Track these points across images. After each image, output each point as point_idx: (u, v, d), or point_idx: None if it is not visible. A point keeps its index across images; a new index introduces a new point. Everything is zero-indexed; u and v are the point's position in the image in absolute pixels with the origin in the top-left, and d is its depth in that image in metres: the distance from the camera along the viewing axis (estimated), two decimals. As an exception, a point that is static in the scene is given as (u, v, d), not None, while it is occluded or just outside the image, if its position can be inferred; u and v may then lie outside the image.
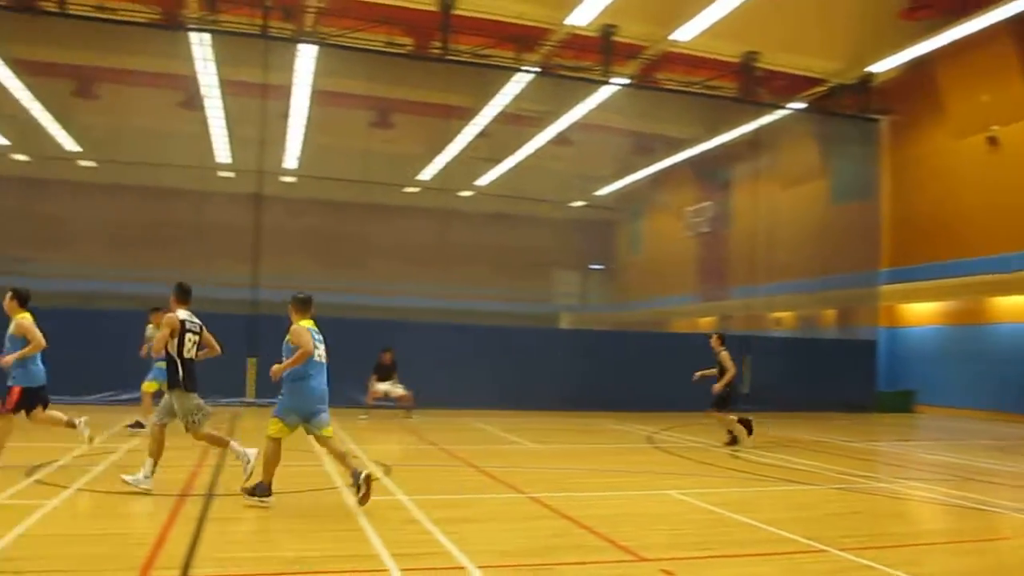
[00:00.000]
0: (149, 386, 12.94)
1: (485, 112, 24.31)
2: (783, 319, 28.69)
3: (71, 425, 9.75)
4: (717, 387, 13.60)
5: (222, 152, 25.38)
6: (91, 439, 10.03)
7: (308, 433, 7.89)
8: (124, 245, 23.84)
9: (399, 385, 17.50)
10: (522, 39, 21.45)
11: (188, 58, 20.55)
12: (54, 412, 9.67)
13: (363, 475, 7.48)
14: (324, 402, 7.86)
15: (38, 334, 9.28)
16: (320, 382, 7.85)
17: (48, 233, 23.19)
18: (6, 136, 24.07)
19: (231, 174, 25.77)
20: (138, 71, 22.87)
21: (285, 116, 23.24)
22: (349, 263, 26.37)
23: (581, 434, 15.78)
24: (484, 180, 28.52)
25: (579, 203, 31.53)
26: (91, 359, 17.14)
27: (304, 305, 8.27)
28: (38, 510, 7.03)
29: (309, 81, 21.60)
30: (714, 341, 14.12)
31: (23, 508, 7.08)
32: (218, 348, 8.98)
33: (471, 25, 20.74)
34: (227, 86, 22.14)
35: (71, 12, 18.65)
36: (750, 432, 13.58)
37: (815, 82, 24.39)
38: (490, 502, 8.65)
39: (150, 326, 13.50)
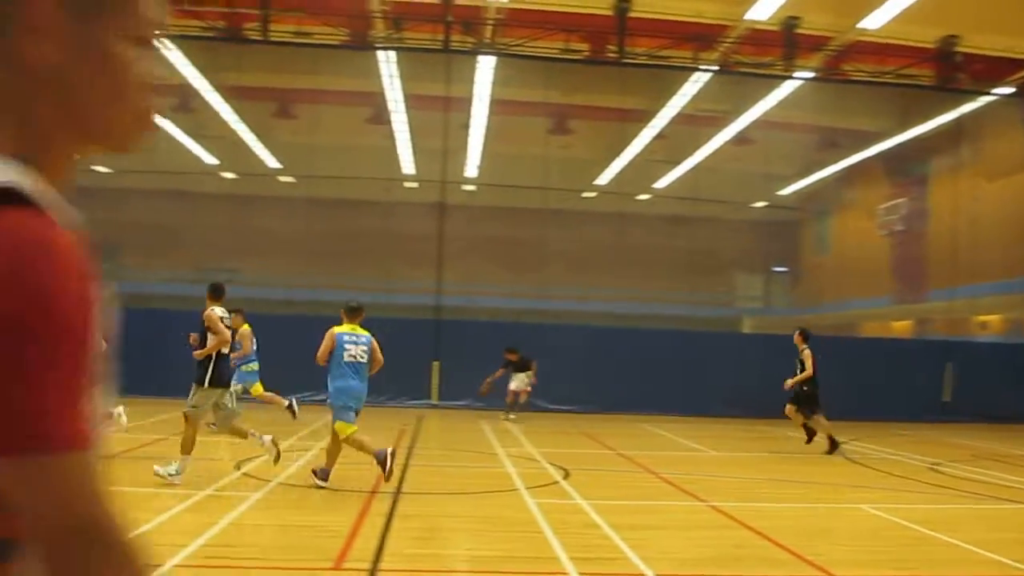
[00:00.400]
0: (256, 389, 13.53)
1: (662, 114, 24.02)
2: (989, 323, 26.52)
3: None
4: (790, 383, 13.10)
5: (407, 164, 26.50)
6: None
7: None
8: (319, 254, 25.33)
9: (523, 383, 17.61)
10: (700, 37, 21.02)
11: (376, 75, 21.61)
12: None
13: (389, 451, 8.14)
14: (358, 400, 8.52)
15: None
16: (355, 383, 8.50)
17: (253, 245, 25.04)
18: (216, 156, 26.19)
19: (415, 184, 26.86)
20: (330, 90, 24.25)
21: (466, 127, 23.95)
22: (528, 268, 26.79)
23: (762, 441, 15.25)
24: (662, 183, 28.18)
25: (761, 204, 30.52)
26: (293, 361, 18.37)
27: (352, 313, 8.91)
28: (245, 501, 7.59)
29: (488, 91, 22.17)
30: (797, 338, 13.47)
31: (233, 499, 7.68)
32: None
33: (647, 27, 20.56)
34: (411, 100, 23.11)
35: (272, 39, 20.05)
36: (833, 449, 12.93)
37: (1022, 64, 22.42)
38: (670, 509, 8.52)
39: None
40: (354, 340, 8.64)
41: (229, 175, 26.47)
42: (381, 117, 24.53)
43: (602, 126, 27.58)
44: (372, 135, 25.88)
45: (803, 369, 13.13)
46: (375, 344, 8.78)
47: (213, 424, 11.29)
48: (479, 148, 25.50)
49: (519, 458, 11.48)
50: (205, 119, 24.66)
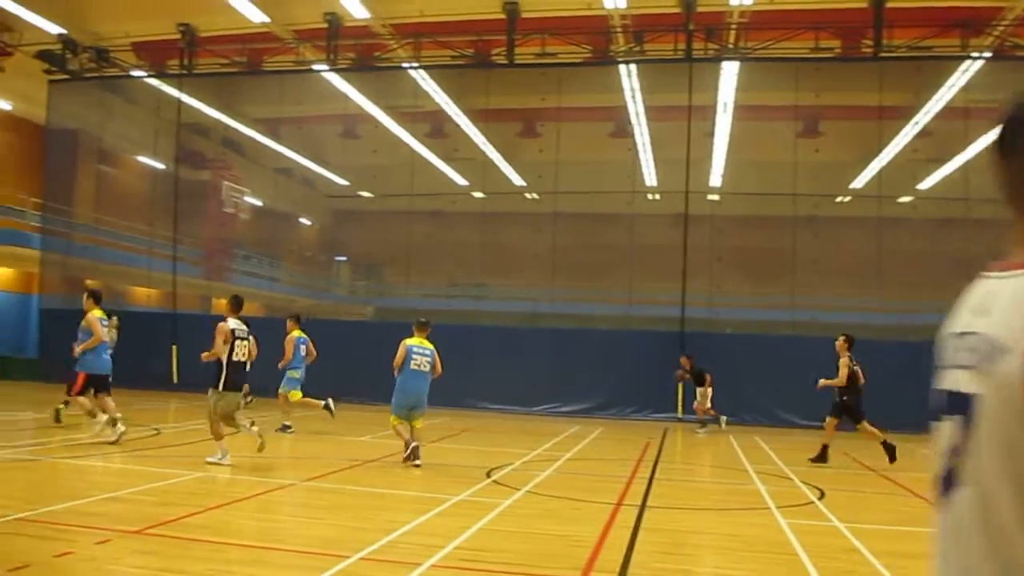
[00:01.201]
0: (294, 395, 13.87)
1: (926, 109, 22.22)
2: None
3: (92, 415, 11.31)
4: (824, 382, 12.42)
5: (649, 175, 26.42)
6: (119, 436, 11.00)
7: (408, 420, 10.43)
8: (564, 268, 25.87)
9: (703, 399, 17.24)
10: (969, 23, 19.25)
11: (617, 90, 21.79)
12: (108, 401, 11.20)
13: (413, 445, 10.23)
14: (418, 402, 10.40)
15: (100, 329, 11.09)
16: (413, 386, 10.31)
17: (501, 260, 26.06)
18: (466, 177, 27.55)
19: (658, 196, 26.70)
20: (573, 107, 24.76)
21: (709, 135, 23.51)
22: (776, 278, 25.72)
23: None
24: (926, 183, 26.03)
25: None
26: (529, 373, 19.02)
27: (421, 327, 10.72)
28: (495, 508, 7.88)
29: (732, 97, 21.61)
30: (839, 344, 12.58)
31: (483, 505, 7.99)
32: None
33: (908, 16, 19.13)
34: (652, 112, 23.05)
35: (518, 63, 20.82)
36: (892, 459, 11.80)
37: None
38: (941, 538, 7.80)
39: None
40: (420, 351, 10.39)
41: (479, 194, 27.73)
42: (623, 130, 24.68)
43: (856, 126, 25.95)
44: (615, 149, 26.10)
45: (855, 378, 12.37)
46: (437, 356, 10.49)
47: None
48: (723, 156, 24.91)
49: (770, 475, 11.03)
50: (457, 142, 26.05)
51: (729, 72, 20.51)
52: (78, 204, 25.66)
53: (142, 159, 27.21)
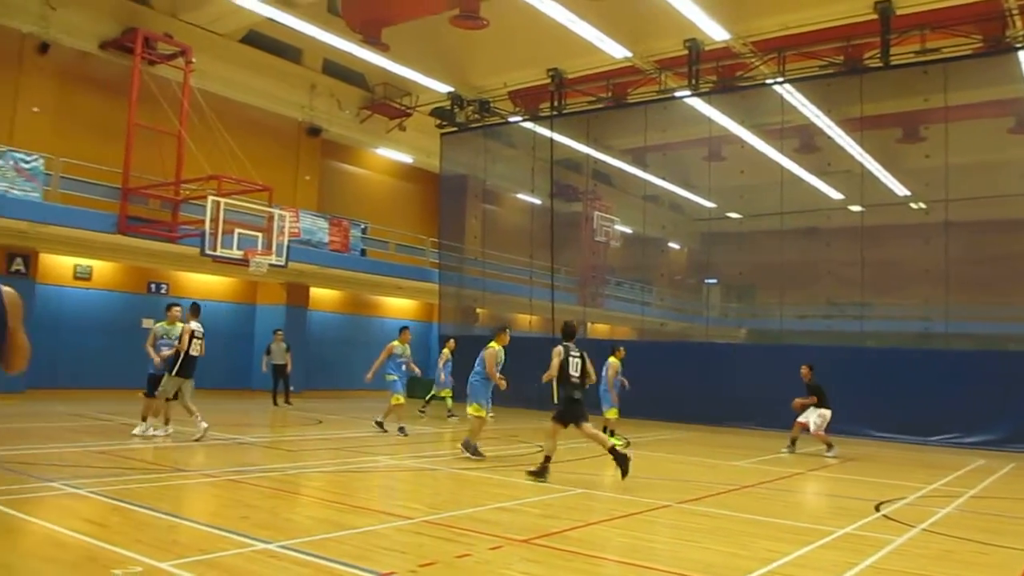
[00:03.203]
0: (397, 399, 15.16)
1: None
2: None
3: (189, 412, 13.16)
4: None
5: (1063, 173, 22.89)
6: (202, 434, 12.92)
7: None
8: (959, 283, 23.27)
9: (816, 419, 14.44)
10: None
11: (1017, 80, 19.27)
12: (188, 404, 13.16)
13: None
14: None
15: (185, 340, 13.00)
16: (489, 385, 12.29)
17: (885, 277, 24.12)
18: (841, 191, 26.01)
19: (1077, 196, 23.01)
20: (962, 105, 22.33)
21: None
22: None
23: None
24: None
25: None
26: (921, 399, 17.28)
27: (500, 332, 12.52)
28: (886, 545, 7.24)
29: None
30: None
31: (871, 540, 7.39)
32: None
33: None
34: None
35: (895, 64, 19.31)
36: None
37: None
38: None
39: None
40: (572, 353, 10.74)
41: (856, 208, 26.04)
42: (1026, 125, 21.73)
43: None
44: (1016, 146, 23.06)
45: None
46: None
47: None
48: None
49: None
50: (829, 155, 24.73)
51: None
52: (468, 241, 28.45)
53: (521, 196, 29.42)
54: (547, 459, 10.36)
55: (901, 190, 25.72)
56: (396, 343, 15.42)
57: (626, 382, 15.65)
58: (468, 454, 12.01)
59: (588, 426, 10.44)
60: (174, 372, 12.91)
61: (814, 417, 14.62)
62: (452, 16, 21.00)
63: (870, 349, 20.91)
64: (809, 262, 25.60)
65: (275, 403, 21.24)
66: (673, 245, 34.96)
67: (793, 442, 14.96)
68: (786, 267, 23.88)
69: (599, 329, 33.86)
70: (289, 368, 21.51)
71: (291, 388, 21.90)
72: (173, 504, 8.10)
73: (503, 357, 12.41)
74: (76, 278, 21.82)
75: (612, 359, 15.42)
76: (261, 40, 23.99)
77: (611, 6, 19.83)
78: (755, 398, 19.36)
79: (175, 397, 13.18)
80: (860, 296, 22.15)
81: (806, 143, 26.46)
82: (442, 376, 19.75)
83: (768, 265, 25.48)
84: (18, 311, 3.42)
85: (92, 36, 20.53)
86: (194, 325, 13.24)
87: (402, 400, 15.22)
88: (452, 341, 20.41)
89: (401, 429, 15.13)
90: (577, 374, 10.67)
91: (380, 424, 15.54)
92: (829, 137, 23.84)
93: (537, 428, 18.17)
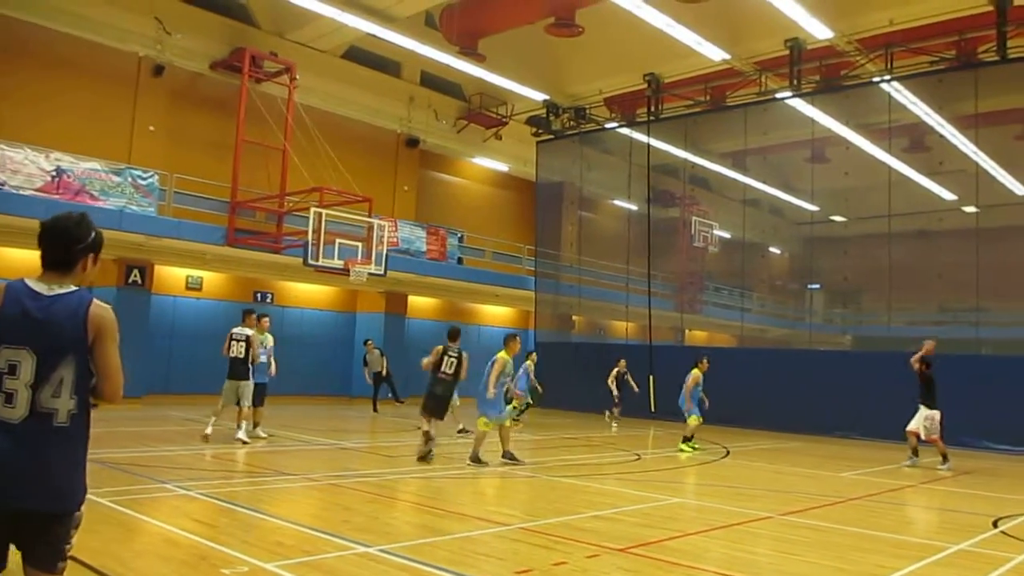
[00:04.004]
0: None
1: None
2: None
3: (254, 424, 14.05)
4: None
5: None
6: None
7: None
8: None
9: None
10: None
11: None
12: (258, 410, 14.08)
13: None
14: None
15: (256, 349, 13.55)
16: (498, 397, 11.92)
17: (1002, 281, 22.94)
18: (954, 191, 24.90)
19: None
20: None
21: None
22: None
23: None
24: None
25: None
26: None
27: (510, 339, 12.18)
28: (1005, 563, 6.87)
29: None
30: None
31: (988, 559, 7.03)
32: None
33: None
34: None
35: (1012, 56, 18.40)
36: None
37: None
38: None
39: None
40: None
41: (970, 209, 24.92)
42: None
43: None
44: None
45: None
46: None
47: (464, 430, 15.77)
48: None
49: None
50: (941, 154, 23.71)
51: None
52: (564, 248, 28.45)
53: (617, 202, 29.24)
54: (426, 436, 11.95)
55: (1020, 189, 24.45)
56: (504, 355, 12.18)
57: (706, 399, 15.21)
58: (475, 464, 11.75)
59: (436, 423, 12.08)
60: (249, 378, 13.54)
61: (922, 421, 13.59)
62: (547, 24, 21.07)
63: (986, 357, 19.92)
64: (919, 266, 24.58)
65: (375, 410, 21.67)
66: (774, 250, 34.13)
67: (915, 451, 13.86)
68: (894, 271, 22.98)
69: (697, 336, 33.32)
70: (385, 372, 22.01)
71: (397, 393, 22.48)
72: (277, 507, 8.35)
73: (511, 368, 12.23)
74: (188, 288, 22.77)
75: (695, 370, 15.14)
76: (361, 55, 24.60)
77: (709, 8, 19.51)
78: (860, 407, 18.69)
79: (252, 403, 13.65)
80: (975, 301, 21.15)
81: (915, 142, 25.44)
82: (522, 384, 19.40)
83: (875, 269, 24.57)
84: (106, 330, 3.19)
85: (203, 57, 21.44)
86: (236, 330, 13.62)
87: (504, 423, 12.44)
88: (534, 354, 20.36)
89: (462, 430, 15.76)
90: (450, 371, 12.11)
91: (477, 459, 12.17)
92: (940, 135, 22.83)
93: (639, 436, 18.00)
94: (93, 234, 3.27)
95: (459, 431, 15.92)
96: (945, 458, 13.72)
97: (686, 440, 14.93)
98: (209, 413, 13.45)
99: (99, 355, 3.16)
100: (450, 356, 12.11)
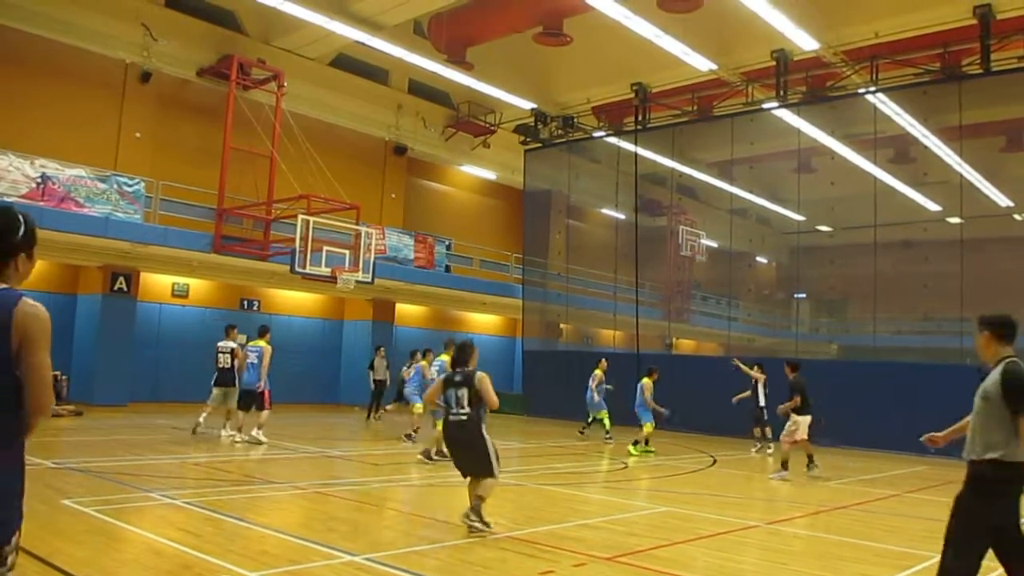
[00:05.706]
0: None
1: None
2: None
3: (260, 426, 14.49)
4: None
5: None
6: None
7: None
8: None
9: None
10: None
11: None
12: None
13: None
14: None
15: (242, 359, 14.47)
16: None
17: (986, 291, 23.11)
18: (939, 202, 25.08)
19: None
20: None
21: None
22: None
23: None
24: None
25: None
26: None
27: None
28: (987, 573, 6.89)
29: None
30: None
31: (982, 568, 7.04)
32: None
33: None
34: None
35: (995, 70, 18.58)
36: None
37: None
38: None
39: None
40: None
41: (954, 220, 25.11)
42: None
43: None
44: None
45: None
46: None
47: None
48: None
49: None
50: (926, 165, 23.90)
51: None
52: (552, 256, 28.48)
53: (605, 211, 29.31)
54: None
55: (1004, 201, 24.66)
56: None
57: (661, 408, 16.15)
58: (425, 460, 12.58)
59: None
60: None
61: (788, 423, 13.18)
62: (535, 33, 21.14)
63: (970, 366, 20.05)
64: (904, 276, 24.73)
65: (368, 418, 21.18)
66: (760, 259, 34.26)
67: (810, 459, 13.33)
68: (880, 281, 23.11)
69: (685, 345, 33.39)
70: (388, 383, 21.50)
71: (380, 403, 22.16)
72: (263, 515, 8.30)
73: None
74: (174, 295, 22.67)
75: (646, 379, 16.25)
76: (349, 63, 24.59)
77: (696, 19, 19.63)
78: (847, 415, 18.76)
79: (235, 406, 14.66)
80: (959, 311, 21.28)
81: (900, 153, 25.64)
82: (595, 397, 18.72)
83: (860, 279, 24.71)
84: (35, 331, 2.66)
85: (190, 64, 21.38)
86: (220, 344, 14.87)
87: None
88: (604, 361, 19.30)
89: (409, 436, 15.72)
90: (465, 409, 10.35)
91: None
92: (925, 147, 23.01)
93: (592, 446, 18.01)
94: (23, 227, 2.80)
95: (407, 435, 15.76)
96: (811, 460, 13.39)
97: (636, 443, 15.75)
98: (200, 412, 14.57)
99: (27, 363, 2.65)
100: (456, 387, 7.83)
